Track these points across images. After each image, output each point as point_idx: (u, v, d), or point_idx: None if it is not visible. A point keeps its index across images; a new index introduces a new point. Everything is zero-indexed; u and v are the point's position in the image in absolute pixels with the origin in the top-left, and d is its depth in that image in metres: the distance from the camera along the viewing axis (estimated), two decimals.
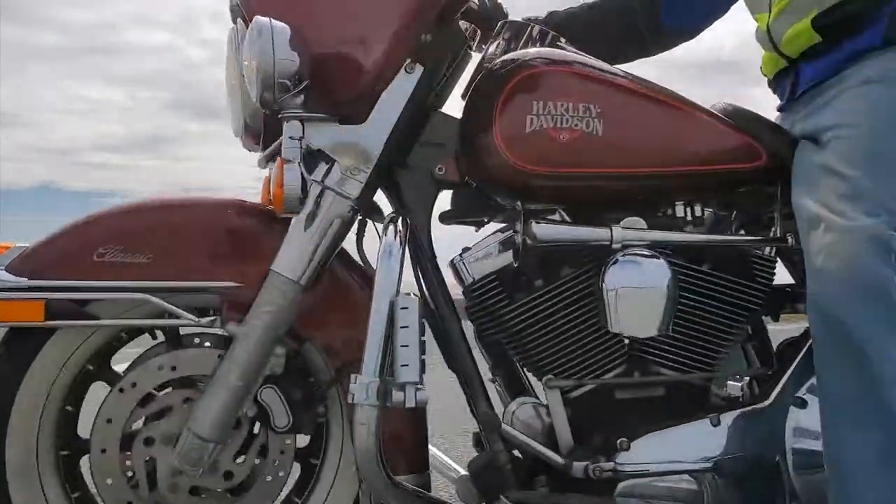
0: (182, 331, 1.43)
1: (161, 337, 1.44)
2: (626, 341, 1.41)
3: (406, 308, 1.20)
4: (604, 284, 1.36)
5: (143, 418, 1.37)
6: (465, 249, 1.49)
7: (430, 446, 1.70)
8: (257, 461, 1.40)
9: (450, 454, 1.64)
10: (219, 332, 1.36)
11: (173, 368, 1.36)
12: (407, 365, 1.18)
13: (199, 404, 1.31)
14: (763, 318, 1.58)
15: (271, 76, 1.21)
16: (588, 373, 1.41)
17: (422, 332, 1.21)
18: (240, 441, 1.37)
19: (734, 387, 1.52)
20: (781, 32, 1.50)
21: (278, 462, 1.40)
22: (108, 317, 1.34)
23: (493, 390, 1.56)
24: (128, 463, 1.35)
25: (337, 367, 1.39)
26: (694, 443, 1.34)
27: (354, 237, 1.46)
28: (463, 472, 1.46)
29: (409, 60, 1.35)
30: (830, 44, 1.44)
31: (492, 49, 1.54)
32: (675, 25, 1.77)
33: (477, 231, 1.62)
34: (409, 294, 1.22)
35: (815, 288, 1.24)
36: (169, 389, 1.39)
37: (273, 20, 1.23)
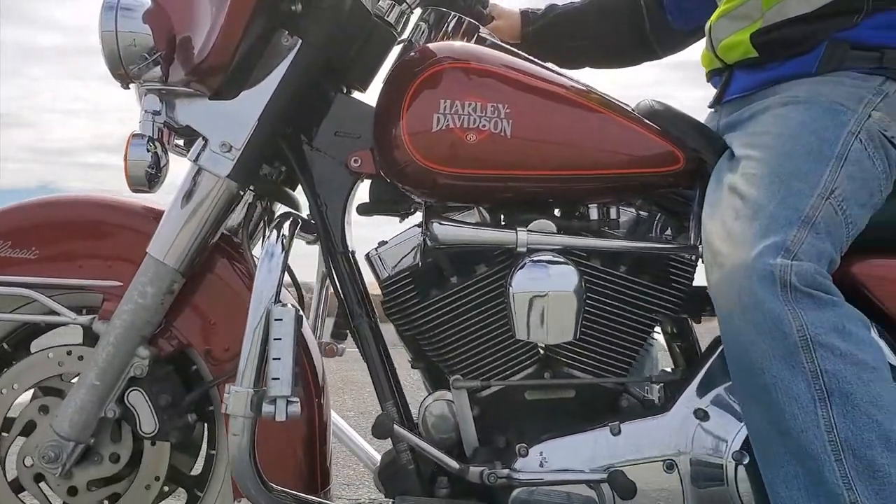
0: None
1: None
2: (537, 344, 1.39)
3: (280, 319, 1.16)
4: (510, 289, 1.33)
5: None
6: (382, 243, 1.46)
7: (353, 434, 1.70)
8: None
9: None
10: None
11: (13, 387, 1.35)
12: (278, 378, 1.15)
13: (63, 402, 1.31)
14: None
15: (116, 50, 1.21)
16: (495, 374, 1.38)
17: (297, 343, 1.18)
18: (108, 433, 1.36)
19: (646, 391, 1.50)
20: (720, 38, 1.43)
21: None
22: None
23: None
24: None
25: (216, 374, 1.37)
26: (592, 452, 1.32)
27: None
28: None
29: (286, 33, 1.31)
30: (766, 61, 1.38)
31: (414, 36, 1.49)
32: (683, 23, 1.68)
33: (401, 221, 1.59)
34: (284, 305, 1.19)
35: (721, 327, 1.22)
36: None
37: None
